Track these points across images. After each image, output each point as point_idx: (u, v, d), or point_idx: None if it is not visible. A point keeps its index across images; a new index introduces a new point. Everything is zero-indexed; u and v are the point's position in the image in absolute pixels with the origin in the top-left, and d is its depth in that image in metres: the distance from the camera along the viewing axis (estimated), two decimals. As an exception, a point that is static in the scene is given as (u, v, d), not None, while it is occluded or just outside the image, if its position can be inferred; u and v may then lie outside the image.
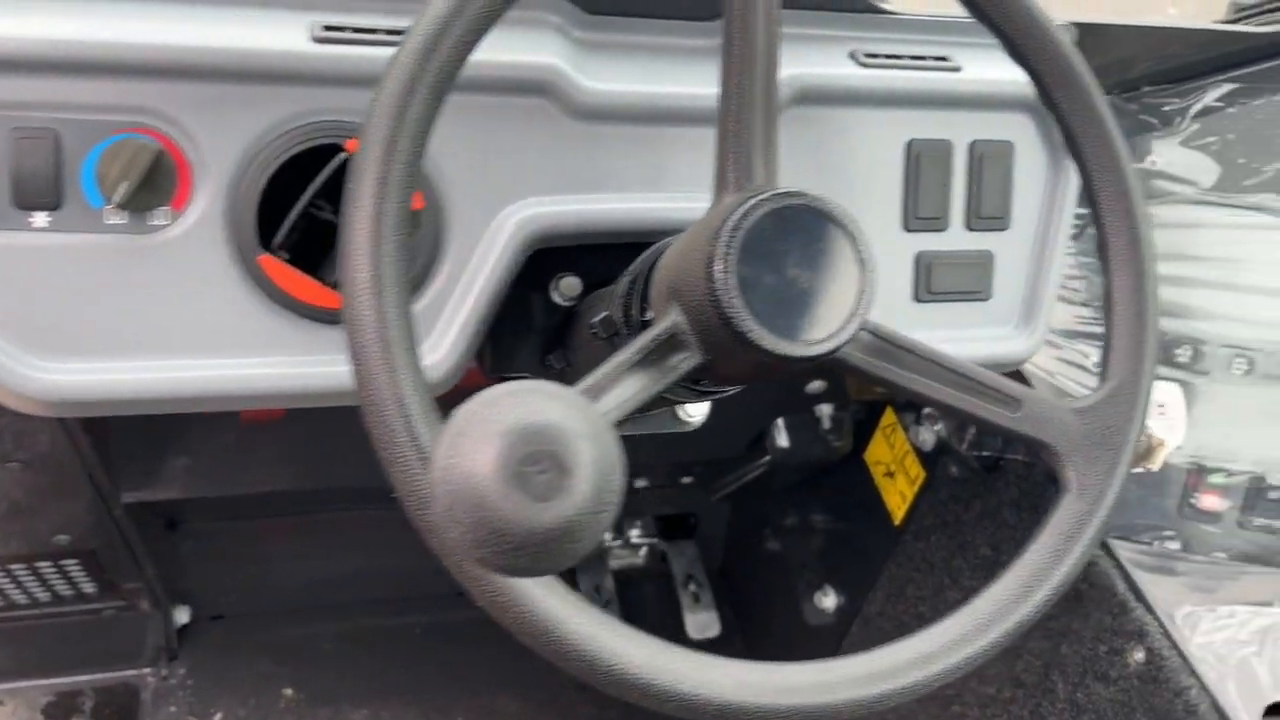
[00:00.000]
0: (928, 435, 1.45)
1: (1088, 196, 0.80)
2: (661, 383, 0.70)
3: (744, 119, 0.73)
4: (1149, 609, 1.13)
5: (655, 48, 0.94)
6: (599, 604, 1.65)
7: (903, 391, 0.76)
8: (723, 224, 0.69)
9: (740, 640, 1.99)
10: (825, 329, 0.70)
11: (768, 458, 1.66)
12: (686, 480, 1.93)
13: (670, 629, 1.98)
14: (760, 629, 1.96)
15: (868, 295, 0.71)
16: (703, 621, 2.00)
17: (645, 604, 2.03)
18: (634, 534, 2.15)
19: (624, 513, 1.97)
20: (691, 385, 0.88)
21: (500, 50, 0.86)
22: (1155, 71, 1.15)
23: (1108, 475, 0.75)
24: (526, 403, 0.50)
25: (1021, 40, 0.79)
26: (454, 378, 0.88)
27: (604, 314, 0.86)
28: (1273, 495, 1.17)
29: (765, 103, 0.74)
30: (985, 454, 1.31)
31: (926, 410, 1.43)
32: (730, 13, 0.73)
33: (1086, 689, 1.18)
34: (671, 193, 0.91)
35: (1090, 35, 1.07)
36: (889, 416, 1.58)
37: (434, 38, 0.64)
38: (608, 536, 2.10)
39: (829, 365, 0.74)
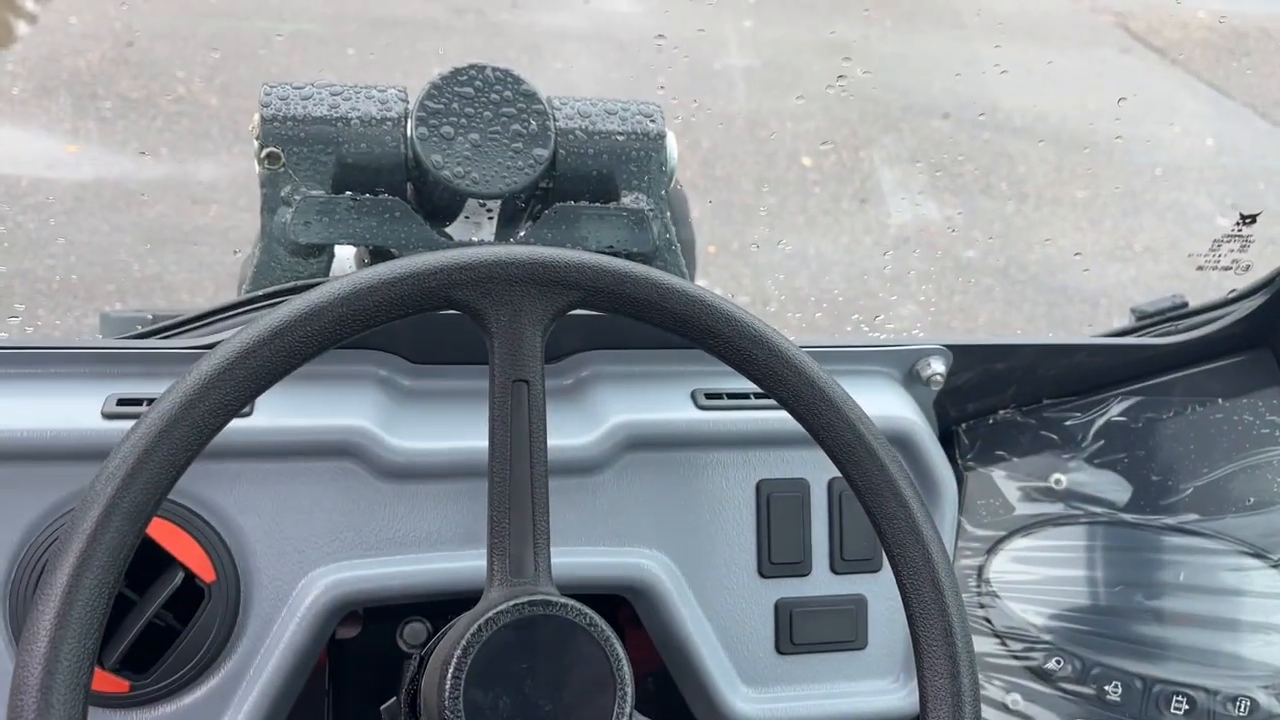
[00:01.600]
0: None
1: (898, 579, 0.73)
2: None
3: (509, 507, 0.70)
4: None
5: (484, 393, 0.92)
6: None
7: None
8: (458, 640, 0.65)
9: None
10: (571, 755, 0.65)
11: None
12: None
13: None
14: None
15: (624, 713, 0.66)
16: None
17: None
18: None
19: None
20: None
21: (307, 414, 0.85)
22: (1056, 382, 1.10)
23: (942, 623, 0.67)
24: None
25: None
26: None
27: (391, 700, 0.81)
28: None
29: (534, 488, 0.71)
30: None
31: None
32: (491, 399, 0.71)
33: None
34: (459, 550, 0.87)
35: (978, 354, 1.03)
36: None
37: (172, 417, 0.62)
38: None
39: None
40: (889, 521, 0.72)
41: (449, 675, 0.63)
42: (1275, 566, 1.05)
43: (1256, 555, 1.05)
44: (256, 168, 0.94)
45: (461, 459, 0.87)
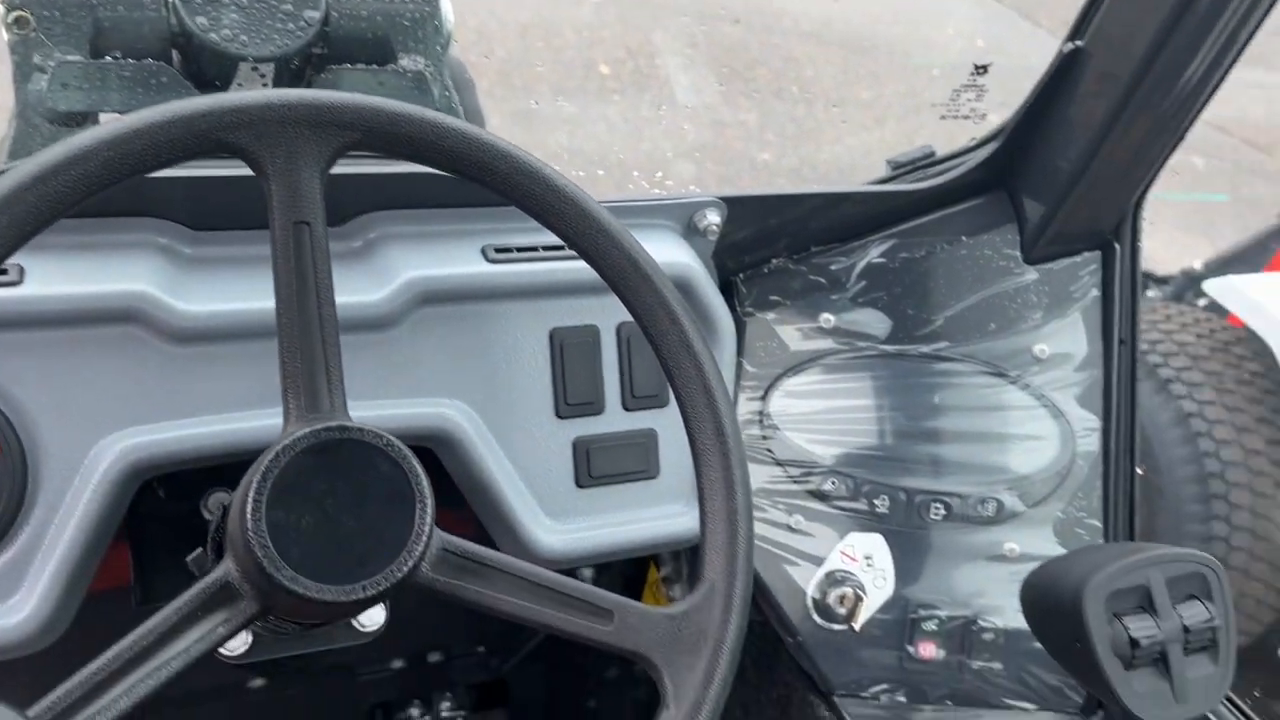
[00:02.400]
0: (679, 592, 1.42)
1: (677, 398, 0.79)
2: (209, 640, 0.67)
3: (300, 346, 0.71)
4: (873, 771, 1.10)
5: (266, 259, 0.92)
6: None
7: (492, 611, 0.73)
8: (257, 469, 0.67)
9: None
10: (377, 565, 0.68)
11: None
12: (480, 649, 1.87)
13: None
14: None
15: (424, 522, 0.69)
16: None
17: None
18: (445, 708, 2.06)
19: (431, 686, 1.88)
20: (277, 627, 0.84)
21: (83, 281, 0.83)
22: (823, 231, 1.18)
23: (705, 682, 0.73)
24: None
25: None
26: (48, 633, 0.82)
27: (198, 550, 0.82)
28: (986, 636, 1.16)
29: (323, 325, 0.72)
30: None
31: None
32: (273, 243, 0.72)
33: None
34: (254, 410, 0.88)
35: (752, 206, 1.10)
36: (653, 573, 1.55)
37: None
38: (415, 713, 2.01)
39: (410, 591, 0.72)
40: (663, 339, 0.78)
41: (249, 499, 0.65)
42: (1014, 383, 1.18)
43: (999, 374, 1.18)
44: (4, 34, 0.90)
45: (253, 319, 0.87)
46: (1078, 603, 0.82)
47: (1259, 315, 3.05)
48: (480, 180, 0.75)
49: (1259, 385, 3.00)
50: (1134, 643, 0.81)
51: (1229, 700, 1.11)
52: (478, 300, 0.96)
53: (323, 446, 0.68)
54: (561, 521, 1.00)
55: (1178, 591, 0.84)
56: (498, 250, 0.97)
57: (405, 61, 1.00)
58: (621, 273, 0.78)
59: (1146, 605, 0.83)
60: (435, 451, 0.95)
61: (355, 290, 0.90)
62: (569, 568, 1.02)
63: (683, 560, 1.33)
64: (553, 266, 0.98)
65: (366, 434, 0.69)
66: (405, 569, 0.68)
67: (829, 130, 5.58)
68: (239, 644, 0.88)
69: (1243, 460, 2.92)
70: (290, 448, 0.67)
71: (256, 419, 0.88)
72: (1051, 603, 0.86)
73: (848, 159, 5.28)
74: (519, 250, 0.98)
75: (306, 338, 0.71)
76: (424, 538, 0.69)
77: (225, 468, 0.88)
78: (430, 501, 0.69)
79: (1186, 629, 0.82)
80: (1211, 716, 1.10)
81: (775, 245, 1.19)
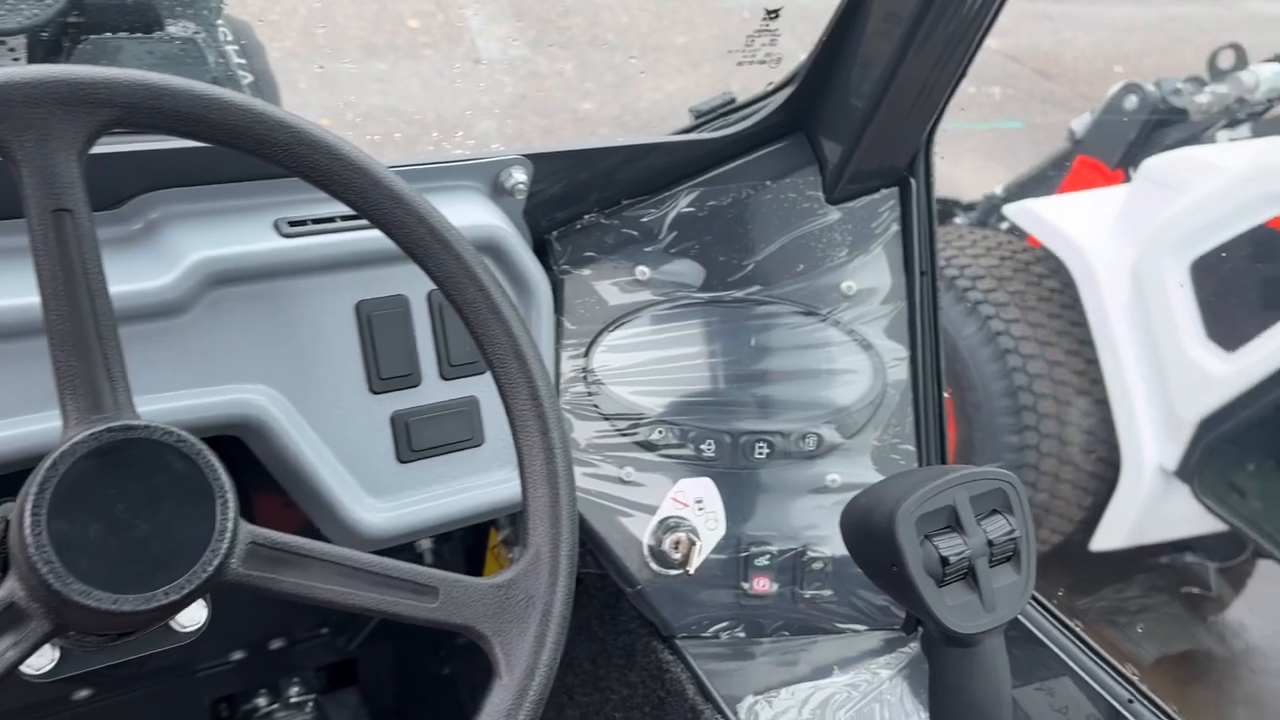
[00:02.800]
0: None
1: (489, 367, 0.78)
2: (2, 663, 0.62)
3: (73, 343, 0.66)
4: (717, 708, 1.13)
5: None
6: None
7: (312, 600, 0.71)
8: (34, 480, 0.62)
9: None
10: (179, 569, 0.65)
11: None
12: (324, 631, 1.83)
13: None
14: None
15: (227, 518, 0.66)
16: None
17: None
18: (293, 693, 2.01)
19: (276, 673, 1.82)
20: (80, 641, 0.80)
21: None
22: (632, 183, 1.18)
23: (536, 648, 0.73)
24: None
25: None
26: None
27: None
28: (815, 565, 1.21)
29: (98, 319, 0.67)
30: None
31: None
32: (32, 235, 0.66)
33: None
34: (32, 414, 0.82)
35: (558, 162, 1.09)
36: (493, 537, 1.54)
37: None
38: (262, 702, 1.95)
39: (226, 590, 0.69)
40: (470, 307, 0.77)
41: (28, 512, 0.61)
42: (825, 320, 1.22)
43: (811, 313, 1.22)
44: None
45: (25, 316, 0.81)
46: (890, 528, 0.85)
47: (1054, 235, 3.24)
48: (258, 153, 0.72)
49: (1057, 301, 3.20)
50: (944, 561, 0.85)
51: (1035, 600, 1.19)
52: (274, 278, 0.92)
53: (106, 449, 0.64)
54: (385, 499, 0.98)
55: (981, 508, 0.88)
56: (291, 224, 0.93)
57: (174, 28, 0.94)
58: (420, 241, 0.76)
59: (954, 524, 0.87)
60: (244, 440, 0.91)
61: (138, 277, 0.85)
62: (398, 544, 1.00)
63: (520, 523, 1.33)
64: (353, 237, 0.95)
65: (155, 431, 0.65)
66: (210, 569, 0.65)
67: (648, 78, 5.59)
68: (44, 661, 0.83)
69: (1047, 373, 3.12)
70: (69, 453, 0.63)
71: (35, 423, 0.82)
72: (867, 530, 0.90)
73: (668, 105, 5.31)
74: (315, 222, 0.94)
75: (79, 333, 0.67)
76: (227, 535, 0.66)
77: (7, 478, 0.82)
78: (231, 496, 0.67)
79: (991, 543, 0.87)
80: (1021, 619, 1.18)
81: (586, 200, 1.18)
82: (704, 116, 1.23)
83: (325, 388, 0.94)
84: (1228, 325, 2.75)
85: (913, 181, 1.22)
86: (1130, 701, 1.04)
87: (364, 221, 0.95)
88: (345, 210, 0.95)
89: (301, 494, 0.94)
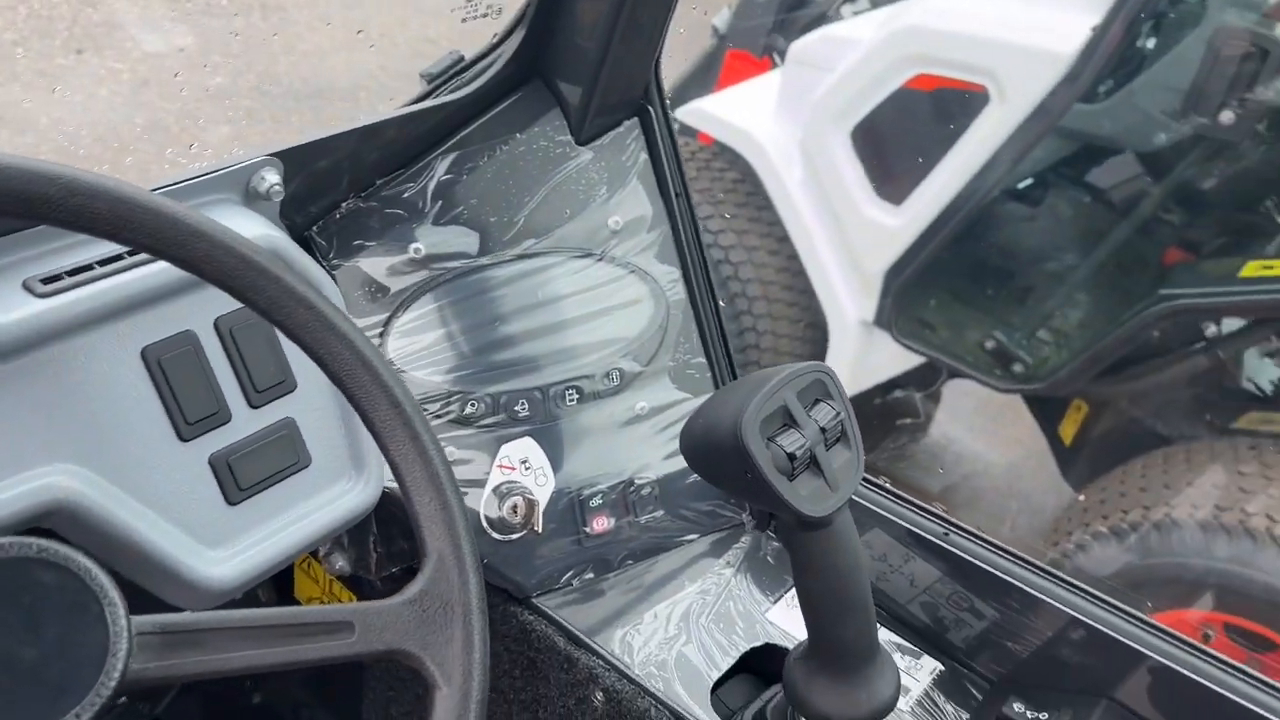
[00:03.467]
0: (341, 561, 1.37)
1: (339, 386, 0.75)
2: None
3: None
4: (591, 650, 1.16)
5: None
6: None
7: (224, 674, 0.66)
8: None
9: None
10: (81, 689, 0.59)
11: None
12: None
13: None
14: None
15: (119, 619, 0.60)
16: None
17: None
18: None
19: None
20: None
21: None
22: (381, 162, 1.14)
23: (466, 650, 0.73)
24: None
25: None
26: None
27: None
28: (645, 491, 1.26)
29: None
30: (395, 570, 1.26)
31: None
32: None
33: (572, 746, 1.21)
34: None
35: (298, 155, 1.03)
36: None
37: None
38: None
39: (136, 692, 0.63)
40: (303, 329, 0.72)
41: None
42: (601, 259, 1.24)
43: (586, 255, 1.24)
44: None
45: None
46: (739, 440, 0.90)
47: (726, 130, 3.42)
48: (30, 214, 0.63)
49: (742, 190, 3.41)
50: (791, 457, 0.92)
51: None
52: (42, 345, 0.81)
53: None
54: (226, 547, 0.91)
55: (807, 400, 0.95)
56: (45, 281, 0.83)
57: None
58: (233, 273, 0.70)
59: (789, 421, 0.93)
60: (58, 532, 0.82)
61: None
62: (251, 588, 0.94)
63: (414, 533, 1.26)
64: (118, 281, 0.85)
65: (9, 548, 0.58)
66: (115, 678, 0.60)
67: (276, 39, 5.27)
68: None
69: (747, 258, 3.33)
70: None
71: None
72: (713, 447, 0.95)
73: (307, 65, 5.04)
74: (70, 274, 0.84)
75: None
76: (124, 637, 0.60)
77: None
78: (117, 595, 0.61)
79: (823, 430, 0.95)
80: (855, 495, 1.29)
81: (339, 188, 1.13)
82: (436, 80, 1.20)
83: (132, 449, 0.86)
84: (892, 182, 3.05)
85: (651, 109, 1.25)
86: (946, 535, 1.18)
87: (125, 261, 0.87)
88: (100, 253, 0.86)
89: (137, 569, 0.86)
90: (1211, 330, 2.83)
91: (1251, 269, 2.53)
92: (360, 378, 0.74)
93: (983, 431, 3.81)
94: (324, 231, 1.12)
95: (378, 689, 1.47)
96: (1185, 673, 1.01)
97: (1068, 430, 3.21)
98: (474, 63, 1.21)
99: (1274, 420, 2.74)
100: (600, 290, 1.24)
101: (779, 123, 3.32)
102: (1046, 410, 3.26)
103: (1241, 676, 0.99)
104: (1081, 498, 2.93)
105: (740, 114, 3.44)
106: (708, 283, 1.30)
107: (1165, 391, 2.94)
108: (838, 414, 0.97)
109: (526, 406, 1.20)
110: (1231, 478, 2.55)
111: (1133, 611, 1.07)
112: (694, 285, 1.29)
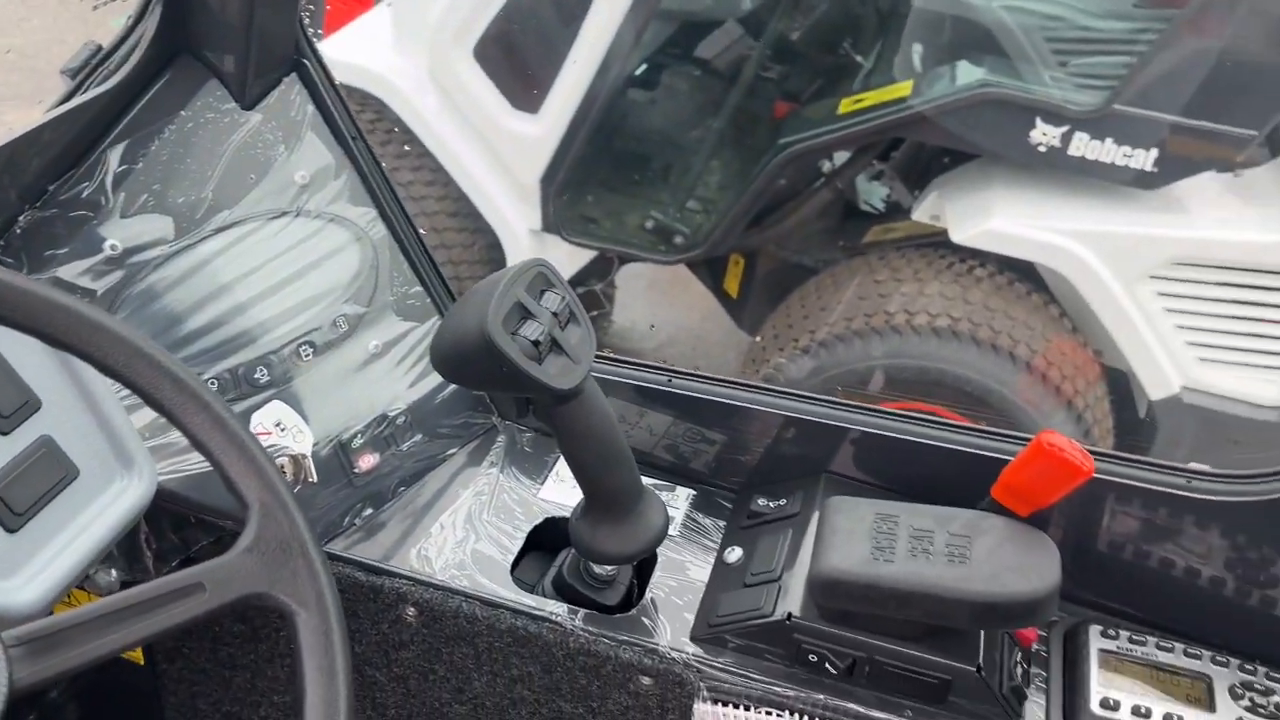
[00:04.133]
0: (113, 575, 1.35)
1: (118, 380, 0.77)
2: None
3: None
4: (391, 574, 1.24)
5: None
6: None
7: (101, 660, 0.70)
8: None
9: None
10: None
11: None
12: None
13: None
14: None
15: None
16: None
17: None
18: None
19: None
20: None
21: None
22: (48, 166, 1.11)
23: (313, 577, 0.80)
24: None
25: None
26: None
27: None
28: (399, 421, 1.33)
29: None
30: (175, 563, 1.26)
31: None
32: None
33: (388, 668, 1.29)
34: None
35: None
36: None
37: None
38: None
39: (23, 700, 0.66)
40: (68, 334, 0.74)
41: None
42: (298, 215, 1.28)
43: (282, 214, 1.27)
44: None
45: None
46: (489, 342, 1.00)
47: (346, 70, 3.36)
48: None
49: (380, 129, 3.38)
50: (535, 343, 1.03)
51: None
52: None
53: None
54: (19, 574, 0.91)
55: (534, 292, 1.07)
56: None
57: None
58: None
59: (526, 314, 1.04)
60: None
61: None
62: (57, 605, 0.94)
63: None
64: None
65: None
66: (3, 694, 0.63)
67: None
68: None
69: (405, 194, 3.34)
70: None
71: None
72: (465, 356, 1.04)
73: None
74: None
75: None
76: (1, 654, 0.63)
77: None
78: None
79: (555, 314, 1.07)
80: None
81: (8, 203, 1.09)
82: (79, 74, 1.17)
83: None
84: (525, 92, 3.16)
85: (306, 62, 1.29)
86: (669, 381, 1.35)
87: None
88: None
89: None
90: (827, 166, 3.23)
91: (846, 105, 2.91)
92: (137, 367, 0.77)
93: (661, 305, 4.11)
94: (8, 249, 1.08)
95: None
96: (875, 432, 1.25)
97: (731, 285, 3.55)
98: (113, 50, 1.19)
99: (893, 229, 3.20)
100: (305, 245, 1.28)
101: (401, 55, 3.31)
102: (710, 271, 3.58)
103: (912, 420, 1.25)
104: (758, 339, 3.28)
105: (359, 54, 3.39)
106: (404, 214, 1.37)
107: (803, 229, 3.32)
108: (564, 298, 1.09)
109: (265, 373, 1.23)
110: (871, 287, 2.96)
111: (829, 399, 1.30)
112: (393, 220, 1.35)
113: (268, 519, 0.79)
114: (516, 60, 3.17)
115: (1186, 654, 1.11)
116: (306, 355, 1.27)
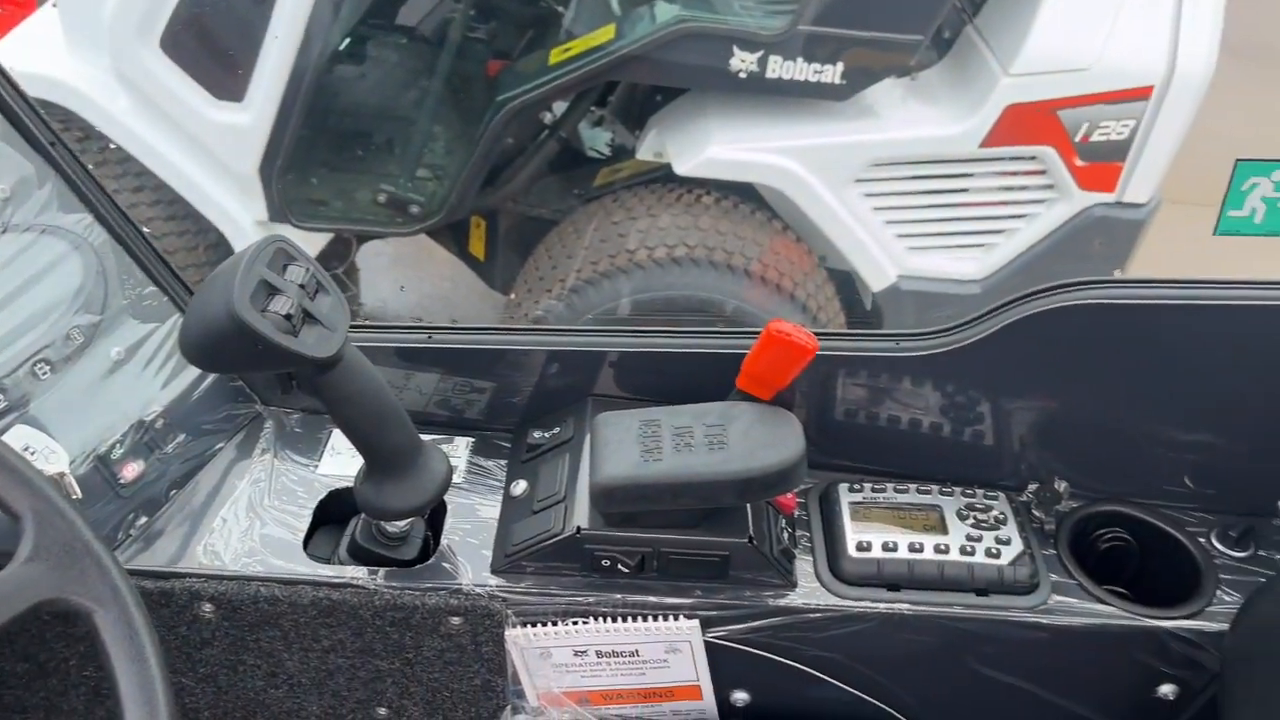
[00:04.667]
0: None
1: None
2: None
3: None
4: (179, 576, 1.23)
5: None
6: None
7: None
8: None
9: None
10: None
11: None
12: None
13: None
14: None
15: None
16: None
17: None
18: None
19: None
20: None
21: None
22: None
23: (103, 573, 0.80)
24: None
25: None
26: None
27: None
28: (157, 425, 1.30)
29: None
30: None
31: None
32: None
33: (193, 670, 1.28)
34: None
35: None
36: None
37: None
38: None
39: None
40: None
41: None
42: (5, 231, 1.22)
43: (-13, 232, 1.20)
44: None
45: None
46: (239, 322, 0.99)
47: (23, 81, 3.11)
48: None
49: (71, 137, 3.15)
50: (287, 316, 1.04)
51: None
52: None
53: None
54: None
55: (277, 268, 1.07)
56: None
57: None
58: None
59: (272, 290, 1.05)
60: None
61: None
62: None
63: None
64: None
65: None
66: None
67: None
68: None
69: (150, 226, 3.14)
70: None
71: None
72: (216, 341, 1.02)
73: None
74: None
75: None
76: None
77: None
78: None
79: (302, 286, 1.08)
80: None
81: None
82: None
83: None
84: (225, 80, 3.02)
85: None
86: (429, 338, 1.38)
87: None
88: None
89: None
90: (549, 118, 3.30)
91: (556, 55, 2.98)
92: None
93: (409, 279, 4.08)
94: None
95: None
96: (630, 350, 1.34)
97: (477, 247, 3.58)
98: None
99: (620, 170, 3.32)
100: (19, 261, 1.22)
101: (78, 57, 3.09)
102: (454, 237, 3.58)
103: (660, 333, 1.35)
104: (512, 296, 3.33)
105: (31, 61, 3.13)
106: (122, 215, 1.32)
107: (537, 182, 3.38)
108: (309, 270, 1.11)
109: (1, 399, 1.18)
110: (609, 229, 3.07)
111: (583, 328, 1.38)
112: (110, 222, 1.31)
113: (44, 525, 0.78)
114: (210, 47, 3.02)
115: (919, 491, 1.28)
116: (44, 374, 1.21)
